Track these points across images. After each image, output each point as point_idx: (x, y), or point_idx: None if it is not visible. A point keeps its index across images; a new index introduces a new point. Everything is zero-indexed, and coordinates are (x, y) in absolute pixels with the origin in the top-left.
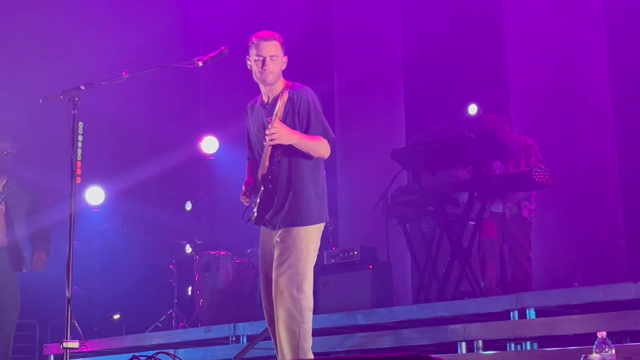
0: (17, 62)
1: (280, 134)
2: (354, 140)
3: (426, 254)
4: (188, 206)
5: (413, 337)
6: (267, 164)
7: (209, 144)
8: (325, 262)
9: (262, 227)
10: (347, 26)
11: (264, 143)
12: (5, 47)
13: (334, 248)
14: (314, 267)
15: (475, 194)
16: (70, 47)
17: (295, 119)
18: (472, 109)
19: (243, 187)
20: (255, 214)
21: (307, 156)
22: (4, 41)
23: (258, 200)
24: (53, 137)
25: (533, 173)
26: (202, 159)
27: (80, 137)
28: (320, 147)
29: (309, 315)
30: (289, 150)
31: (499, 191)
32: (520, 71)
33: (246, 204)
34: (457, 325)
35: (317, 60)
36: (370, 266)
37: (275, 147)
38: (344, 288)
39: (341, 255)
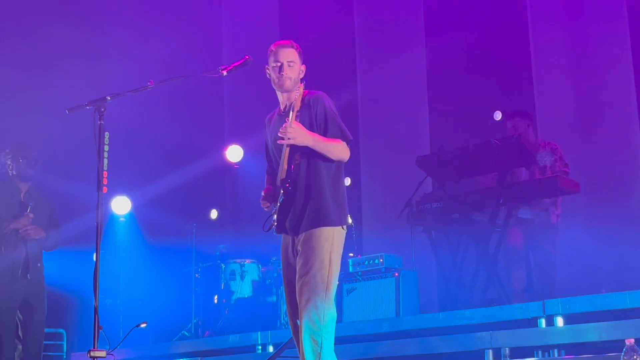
0: (44, 73)
1: (295, 133)
2: (378, 147)
3: (452, 261)
4: (213, 215)
5: (439, 345)
6: (285, 167)
7: (234, 153)
8: (350, 269)
9: (283, 235)
10: (371, 34)
11: (278, 141)
12: (33, 57)
13: (359, 256)
14: (339, 274)
15: (501, 200)
16: (97, 58)
17: (312, 124)
18: (497, 116)
19: (262, 193)
20: (275, 222)
21: (326, 160)
22: (30, 51)
23: (278, 205)
24: (80, 147)
25: (558, 179)
26: (227, 167)
27: (106, 147)
28: (338, 149)
29: (332, 325)
30: (307, 154)
31: (524, 198)
32: (545, 78)
33: (266, 209)
34: (484, 333)
35: (341, 69)
36: (396, 274)
37: (293, 151)
38: (370, 296)
39: (366, 262)
